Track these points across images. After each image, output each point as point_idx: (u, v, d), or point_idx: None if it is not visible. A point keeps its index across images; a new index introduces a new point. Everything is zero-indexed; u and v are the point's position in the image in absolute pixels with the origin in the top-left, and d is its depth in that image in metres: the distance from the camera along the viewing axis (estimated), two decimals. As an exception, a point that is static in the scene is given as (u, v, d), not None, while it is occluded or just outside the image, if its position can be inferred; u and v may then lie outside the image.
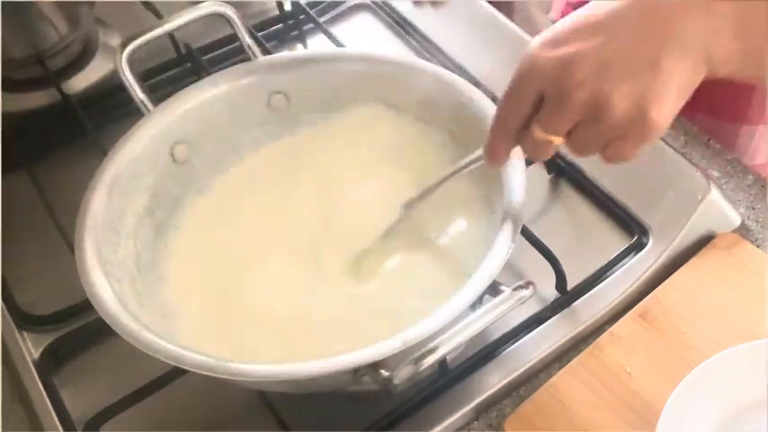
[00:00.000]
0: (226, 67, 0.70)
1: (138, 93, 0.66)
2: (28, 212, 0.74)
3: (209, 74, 0.71)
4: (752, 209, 0.70)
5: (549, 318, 0.64)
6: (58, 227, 0.70)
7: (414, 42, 0.87)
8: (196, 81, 0.69)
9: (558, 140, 0.47)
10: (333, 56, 0.72)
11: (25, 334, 0.66)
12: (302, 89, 0.69)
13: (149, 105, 0.66)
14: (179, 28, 0.68)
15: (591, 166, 0.72)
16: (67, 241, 0.66)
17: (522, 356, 0.62)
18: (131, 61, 0.66)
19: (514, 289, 0.51)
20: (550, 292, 0.65)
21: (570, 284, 0.64)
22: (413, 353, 0.49)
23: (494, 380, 0.61)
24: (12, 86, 0.83)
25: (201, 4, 0.68)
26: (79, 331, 0.65)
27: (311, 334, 0.59)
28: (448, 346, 0.49)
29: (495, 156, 0.52)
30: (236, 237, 0.65)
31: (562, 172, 0.73)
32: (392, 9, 0.91)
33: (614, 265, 0.66)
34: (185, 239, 0.65)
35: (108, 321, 0.53)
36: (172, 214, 0.66)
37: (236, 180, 0.69)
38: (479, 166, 0.56)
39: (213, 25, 0.73)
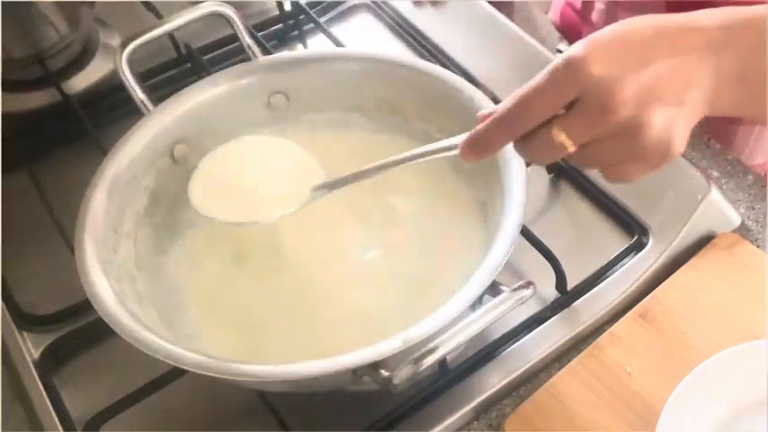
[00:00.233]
0: (226, 67, 0.70)
1: (138, 93, 0.66)
2: (28, 212, 0.74)
3: (209, 74, 0.71)
4: (752, 209, 0.70)
5: (549, 318, 0.64)
6: (58, 227, 0.70)
7: (414, 42, 0.87)
8: (196, 81, 0.69)
9: (572, 148, 0.47)
10: (333, 56, 0.72)
11: (25, 334, 0.66)
12: (302, 89, 0.69)
13: (149, 105, 0.66)
14: (179, 28, 0.68)
15: (591, 166, 0.72)
16: (67, 241, 0.66)
17: (522, 356, 0.62)
18: (131, 61, 0.66)
19: (514, 289, 0.51)
20: (550, 292, 0.65)
21: (570, 284, 0.64)
22: (413, 353, 0.49)
23: (494, 380, 0.61)
24: (12, 86, 0.83)
25: (201, 4, 0.68)
26: (79, 331, 0.65)
27: (313, 329, 0.59)
28: (448, 346, 0.49)
29: (485, 147, 0.49)
30: (237, 236, 0.65)
31: (562, 172, 0.73)
32: (392, 9, 0.91)
33: (614, 265, 0.66)
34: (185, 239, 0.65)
35: (108, 321, 0.53)
36: (172, 214, 0.66)
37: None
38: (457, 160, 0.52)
39: (213, 25, 0.74)
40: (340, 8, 0.93)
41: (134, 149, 0.64)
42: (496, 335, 0.63)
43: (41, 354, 0.65)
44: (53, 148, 0.81)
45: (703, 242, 0.67)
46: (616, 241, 0.68)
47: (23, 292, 0.69)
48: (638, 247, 0.67)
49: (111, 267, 0.58)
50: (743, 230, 0.68)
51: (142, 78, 0.68)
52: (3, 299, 0.68)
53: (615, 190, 0.70)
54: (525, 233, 0.65)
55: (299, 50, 0.89)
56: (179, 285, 0.63)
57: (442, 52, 0.84)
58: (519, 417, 0.58)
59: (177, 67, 0.86)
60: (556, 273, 0.64)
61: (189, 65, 0.86)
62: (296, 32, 0.90)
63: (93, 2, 0.88)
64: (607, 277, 0.66)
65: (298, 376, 0.50)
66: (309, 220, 0.63)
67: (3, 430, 0.62)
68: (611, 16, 0.85)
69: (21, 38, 0.83)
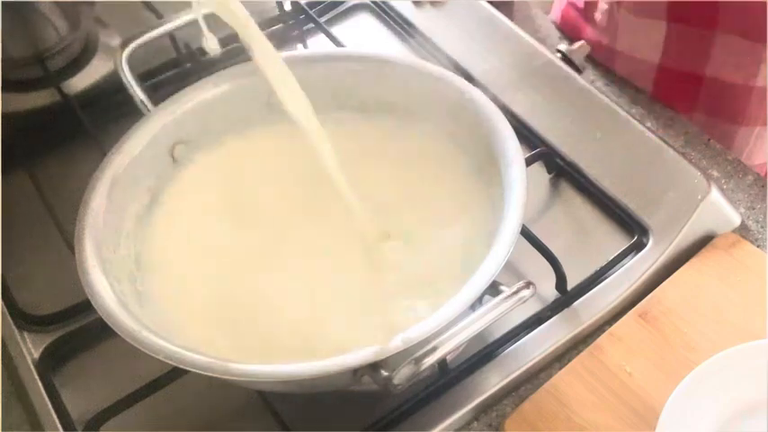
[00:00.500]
0: (226, 67, 0.70)
1: (138, 93, 0.66)
2: (28, 212, 0.74)
3: (209, 74, 0.71)
4: (752, 209, 0.70)
5: (549, 318, 0.64)
6: (58, 227, 0.70)
7: (414, 42, 0.87)
8: (196, 81, 0.69)
9: None
10: (333, 56, 0.72)
11: (25, 334, 0.66)
12: (302, 89, 0.69)
13: (149, 105, 0.66)
14: (179, 28, 0.68)
15: (591, 166, 0.72)
16: (67, 241, 0.66)
17: (522, 356, 0.62)
18: (131, 61, 0.66)
19: (514, 289, 0.51)
20: (550, 292, 0.65)
21: (570, 284, 0.64)
22: (413, 353, 0.49)
23: (494, 380, 0.61)
24: (12, 86, 0.83)
25: (201, 4, 0.68)
26: (79, 331, 0.65)
27: (319, 330, 0.59)
28: (448, 346, 0.49)
29: None
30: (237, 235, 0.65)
31: (562, 172, 0.73)
32: (392, 9, 0.91)
33: (614, 266, 0.66)
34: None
35: (108, 321, 0.53)
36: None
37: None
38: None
39: (213, 25, 0.73)
40: (340, 8, 0.93)
41: (134, 149, 0.64)
42: (496, 335, 0.63)
43: (41, 354, 0.65)
44: (53, 148, 0.81)
45: (703, 242, 0.67)
46: (616, 241, 0.68)
47: (23, 292, 0.69)
48: (638, 247, 0.67)
49: (111, 267, 0.58)
50: (743, 230, 0.68)
51: (142, 78, 0.68)
52: (3, 299, 0.68)
53: (615, 190, 0.70)
54: (525, 233, 0.65)
55: (299, 50, 0.89)
56: (179, 285, 0.63)
57: (442, 52, 0.84)
58: (519, 417, 0.58)
59: (177, 67, 0.86)
60: (556, 273, 0.64)
61: (189, 65, 0.86)
62: (296, 32, 0.90)
63: (93, 2, 0.88)
64: (607, 277, 0.66)
65: (298, 376, 0.50)
66: (309, 221, 0.63)
67: (2, 430, 0.62)
68: (613, 17, 0.85)
69: (21, 38, 0.83)
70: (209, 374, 0.50)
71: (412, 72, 0.67)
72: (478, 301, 0.55)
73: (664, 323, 0.62)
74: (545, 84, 0.79)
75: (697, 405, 0.55)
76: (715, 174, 0.72)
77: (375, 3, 0.92)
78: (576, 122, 0.75)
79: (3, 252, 0.69)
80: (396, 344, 0.49)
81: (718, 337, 0.60)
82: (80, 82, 0.85)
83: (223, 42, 0.85)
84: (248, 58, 0.69)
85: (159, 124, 0.66)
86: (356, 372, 0.50)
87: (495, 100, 0.64)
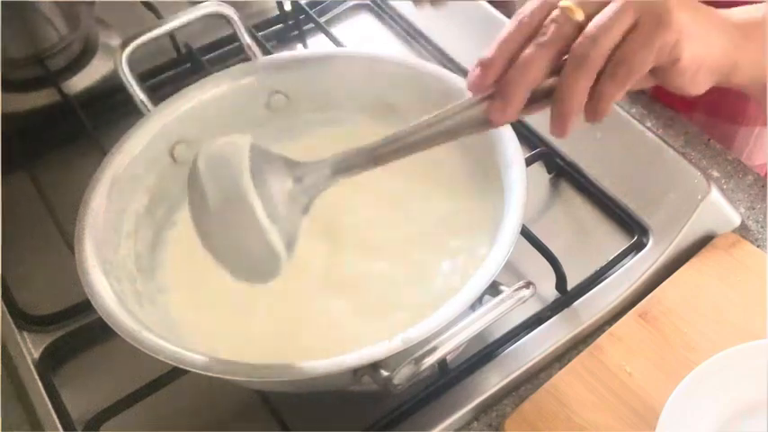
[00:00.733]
0: (226, 67, 0.70)
1: (138, 93, 0.66)
2: (28, 212, 0.74)
3: (209, 74, 0.71)
4: (752, 209, 0.70)
5: (549, 318, 0.64)
6: (58, 227, 0.70)
7: (414, 42, 0.87)
8: (196, 81, 0.69)
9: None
10: (333, 56, 0.72)
11: (25, 334, 0.66)
12: (302, 89, 0.69)
13: (149, 105, 0.66)
14: (179, 28, 0.68)
15: (591, 166, 0.72)
16: (67, 241, 0.66)
17: (522, 356, 0.62)
18: (131, 61, 0.66)
19: (514, 289, 0.51)
20: (550, 292, 0.65)
21: (570, 284, 0.64)
22: (413, 353, 0.49)
23: (494, 380, 0.61)
24: (12, 86, 0.83)
25: (201, 4, 0.68)
26: (79, 331, 0.65)
27: (313, 333, 0.59)
28: (448, 346, 0.49)
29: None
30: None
31: (562, 172, 0.73)
32: (392, 9, 0.91)
33: (614, 266, 0.66)
34: (185, 239, 0.65)
35: (108, 321, 0.53)
36: (172, 214, 0.66)
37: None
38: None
39: (213, 25, 0.74)
40: (340, 8, 0.93)
41: (134, 149, 0.64)
42: (496, 335, 0.63)
43: (41, 354, 0.65)
44: (53, 148, 0.81)
45: (703, 242, 0.67)
46: (616, 241, 0.68)
47: (23, 292, 0.69)
48: (638, 247, 0.67)
49: (111, 267, 0.58)
50: (743, 230, 0.68)
51: (142, 78, 0.68)
52: (3, 299, 0.68)
53: (615, 190, 0.70)
54: (525, 233, 0.65)
55: (299, 50, 0.89)
56: (179, 284, 0.63)
57: (441, 52, 0.84)
58: (519, 417, 0.58)
59: (177, 67, 0.86)
60: (556, 273, 0.64)
61: (189, 65, 0.86)
62: (296, 32, 0.90)
63: (93, 2, 0.88)
64: (607, 277, 0.66)
65: (298, 376, 0.50)
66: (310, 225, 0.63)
67: (2, 430, 0.62)
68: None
69: (21, 38, 0.83)
70: (209, 374, 0.50)
71: (412, 72, 0.67)
72: (478, 301, 0.55)
73: (664, 323, 0.62)
74: (545, 83, 0.79)
75: (697, 405, 0.55)
76: (715, 174, 0.72)
77: (375, 3, 0.92)
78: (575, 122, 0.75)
79: (3, 252, 0.69)
80: (396, 344, 0.49)
81: (718, 337, 0.60)
82: (80, 82, 0.85)
83: (223, 42, 0.86)
84: (248, 58, 0.70)
85: (159, 124, 0.66)
86: (356, 372, 0.50)
87: (495, 100, 0.64)
